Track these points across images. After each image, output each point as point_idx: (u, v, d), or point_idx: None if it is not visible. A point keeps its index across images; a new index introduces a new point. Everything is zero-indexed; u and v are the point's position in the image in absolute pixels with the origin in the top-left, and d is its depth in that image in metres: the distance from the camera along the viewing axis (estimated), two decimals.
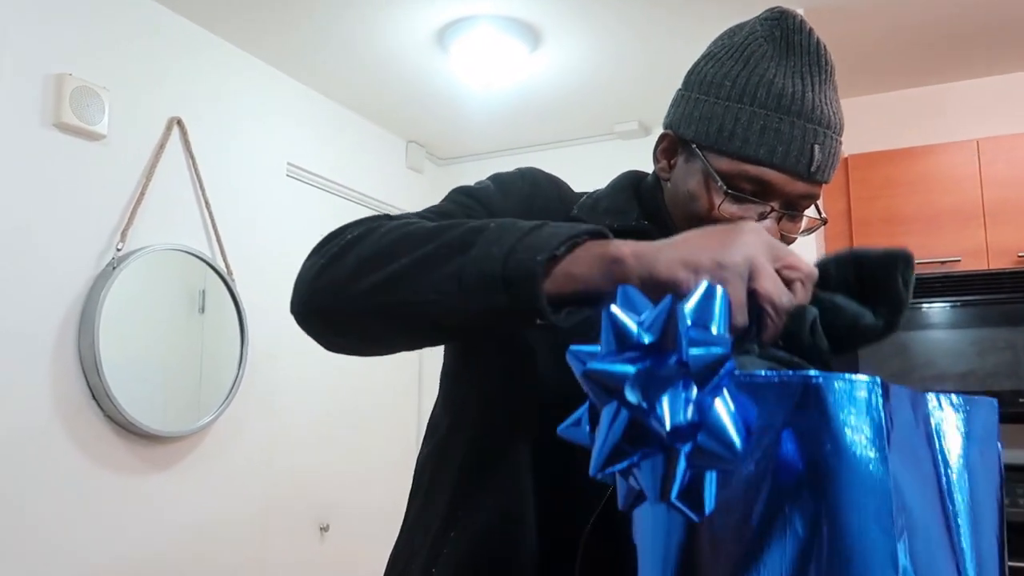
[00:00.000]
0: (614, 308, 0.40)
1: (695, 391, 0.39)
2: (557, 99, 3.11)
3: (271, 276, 2.67)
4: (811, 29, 0.86)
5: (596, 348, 0.40)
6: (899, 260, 0.63)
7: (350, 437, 3.05)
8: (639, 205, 0.93)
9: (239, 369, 2.45)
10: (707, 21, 2.51)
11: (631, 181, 0.97)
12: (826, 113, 0.83)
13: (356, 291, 0.70)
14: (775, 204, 0.82)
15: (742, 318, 0.57)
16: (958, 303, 2.51)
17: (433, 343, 0.79)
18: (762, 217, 0.82)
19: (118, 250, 2.15)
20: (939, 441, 0.57)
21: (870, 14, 2.48)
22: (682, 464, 0.38)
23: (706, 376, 0.39)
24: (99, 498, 2.05)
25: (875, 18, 2.51)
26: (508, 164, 1.50)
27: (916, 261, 0.64)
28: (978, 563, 0.53)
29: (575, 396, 0.59)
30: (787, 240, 0.86)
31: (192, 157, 2.42)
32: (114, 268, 2.11)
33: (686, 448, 0.38)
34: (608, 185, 1.00)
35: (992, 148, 2.65)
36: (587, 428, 0.41)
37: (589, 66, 2.83)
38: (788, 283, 0.59)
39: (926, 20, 2.53)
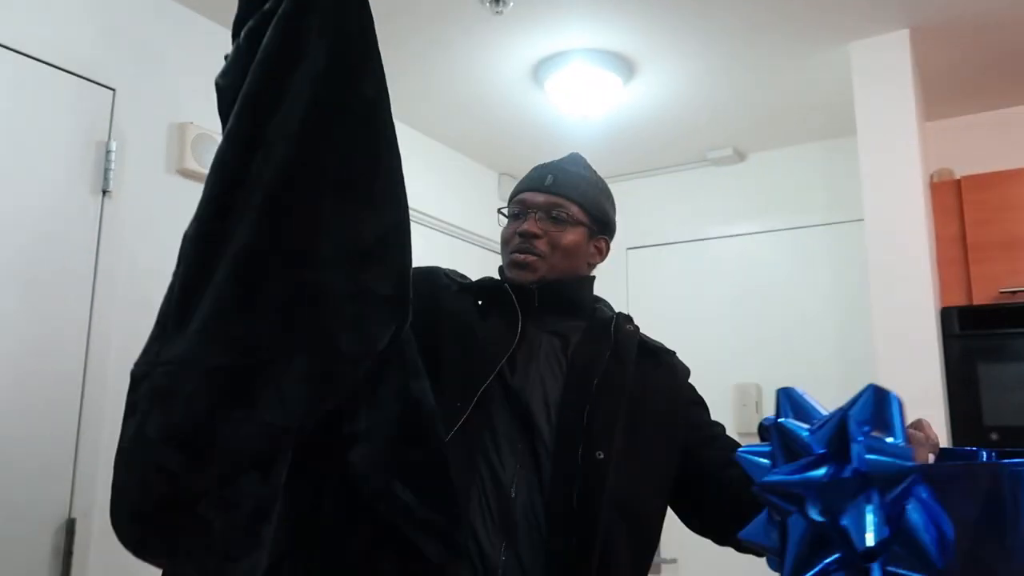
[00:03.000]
0: (782, 419, 0.40)
1: (879, 500, 0.38)
2: (651, 128, 3.11)
3: None
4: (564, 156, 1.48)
5: (767, 447, 0.40)
6: None
7: None
8: (499, 271, 1.39)
9: None
10: (801, 42, 2.46)
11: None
12: (560, 165, 1.39)
13: None
14: (532, 212, 1.32)
15: None
16: None
17: None
18: (524, 221, 1.31)
19: None
20: None
21: (979, 31, 2.38)
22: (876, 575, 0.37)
23: (889, 486, 0.38)
24: None
25: (984, 35, 2.41)
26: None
27: None
28: None
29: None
30: (553, 239, 1.31)
31: None
32: None
33: (880, 560, 0.37)
34: None
35: None
36: (772, 533, 0.41)
37: (683, 94, 2.82)
38: None
39: None
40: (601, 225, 1.38)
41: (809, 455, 0.39)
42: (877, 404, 0.39)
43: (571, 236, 1.31)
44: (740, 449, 0.43)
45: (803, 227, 3.22)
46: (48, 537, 1.75)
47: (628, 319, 1.34)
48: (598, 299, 1.42)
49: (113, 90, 2.02)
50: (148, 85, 2.12)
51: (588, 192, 1.36)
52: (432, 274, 1.31)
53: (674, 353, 1.36)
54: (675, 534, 3.14)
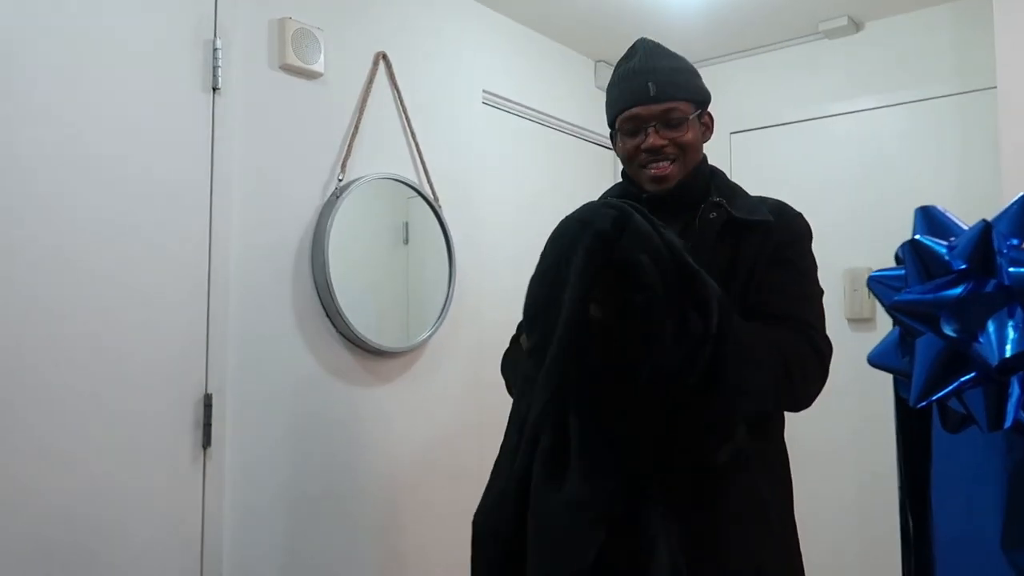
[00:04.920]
0: (917, 236, 0.38)
1: (1022, 315, 0.36)
2: (755, 0, 2.91)
3: (471, 199, 2.78)
4: (637, 48, 1.49)
5: (901, 271, 0.38)
6: None
7: None
8: (628, 183, 1.53)
9: (449, 287, 2.60)
10: None
11: (621, 177, 1.56)
12: (650, 65, 1.42)
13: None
14: (649, 126, 1.40)
15: None
16: None
17: None
18: (645, 136, 1.41)
19: (339, 180, 2.32)
20: None
21: None
22: (1015, 392, 0.36)
23: None
24: (336, 405, 2.30)
25: None
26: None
27: None
28: None
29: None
30: (678, 142, 1.40)
31: (397, 90, 2.53)
32: (337, 197, 2.29)
33: (1018, 375, 0.36)
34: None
35: None
36: (901, 354, 0.40)
37: None
38: None
39: None
40: (703, 103, 1.47)
41: (947, 273, 0.37)
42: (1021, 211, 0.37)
43: (690, 133, 1.42)
44: (872, 274, 0.41)
45: (923, 99, 2.99)
46: (189, 410, 1.93)
47: (715, 205, 1.39)
48: (713, 171, 1.49)
49: None
50: None
51: (685, 82, 1.44)
52: None
53: (773, 218, 1.38)
54: None
